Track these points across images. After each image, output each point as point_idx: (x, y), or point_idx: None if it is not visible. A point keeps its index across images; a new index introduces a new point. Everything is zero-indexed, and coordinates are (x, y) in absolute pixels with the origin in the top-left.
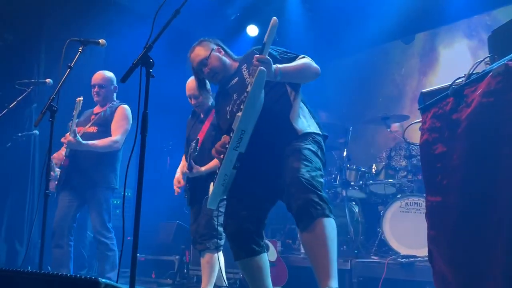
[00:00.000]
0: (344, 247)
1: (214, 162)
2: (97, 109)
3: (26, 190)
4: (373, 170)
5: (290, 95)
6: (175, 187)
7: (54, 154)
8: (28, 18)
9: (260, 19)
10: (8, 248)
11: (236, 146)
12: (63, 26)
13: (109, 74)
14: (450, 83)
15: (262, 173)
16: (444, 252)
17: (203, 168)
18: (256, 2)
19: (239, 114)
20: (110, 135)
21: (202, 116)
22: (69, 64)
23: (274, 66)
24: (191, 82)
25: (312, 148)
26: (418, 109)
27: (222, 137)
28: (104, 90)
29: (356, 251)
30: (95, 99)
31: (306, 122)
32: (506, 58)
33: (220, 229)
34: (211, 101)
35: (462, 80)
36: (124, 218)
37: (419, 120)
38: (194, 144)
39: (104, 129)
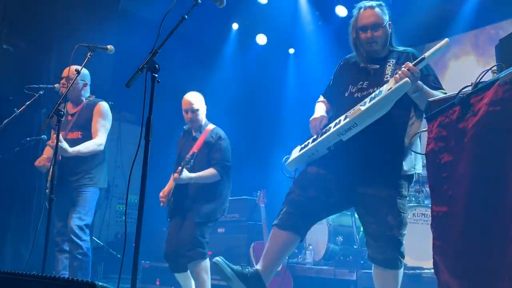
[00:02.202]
0: (350, 257)
1: (206, 173)
2: (70, 108)
3: (33, 195)
4: None
5: (411, 118)
6: (160, 198)
7: (37, 162)
8: (39, 25)
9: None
10: (14, 252)
11: (341, 133)
12: (73, 33)
13: (85, 70)
14: (457, 91)
15: (346, 175)
16: (450, 263)
17: (193, 175)
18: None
19: (361, 107)
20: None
21: (194, 133)
22: (77, 69)
23: (419, 82)
24: (189, 96)
25: (406, 196)
26: (424, 118)
27: (321, 116)
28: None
29: (362, 262)
30: (62, 91)
31: (414, 161)
32: None
33: (202, 239)
34: (204, 119)
35: (469, 89)
36: (126, 224)
37: (425, 129)
38: (190, 156)
39: (88, 134)
